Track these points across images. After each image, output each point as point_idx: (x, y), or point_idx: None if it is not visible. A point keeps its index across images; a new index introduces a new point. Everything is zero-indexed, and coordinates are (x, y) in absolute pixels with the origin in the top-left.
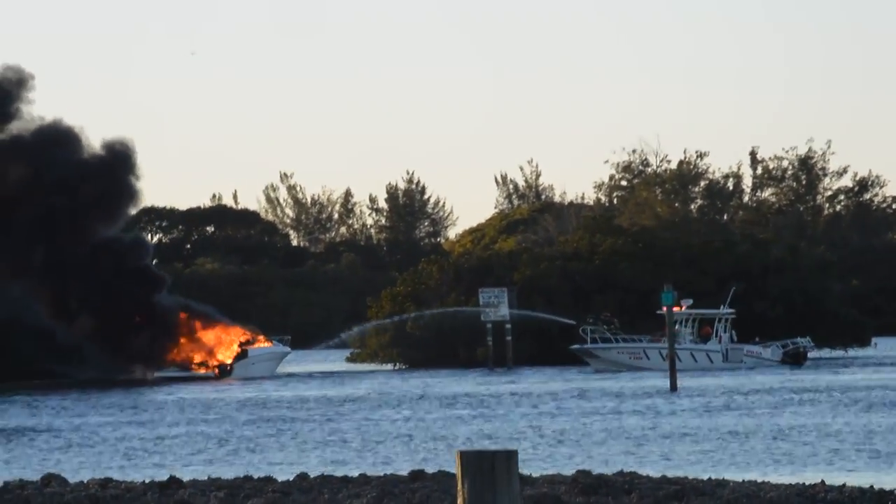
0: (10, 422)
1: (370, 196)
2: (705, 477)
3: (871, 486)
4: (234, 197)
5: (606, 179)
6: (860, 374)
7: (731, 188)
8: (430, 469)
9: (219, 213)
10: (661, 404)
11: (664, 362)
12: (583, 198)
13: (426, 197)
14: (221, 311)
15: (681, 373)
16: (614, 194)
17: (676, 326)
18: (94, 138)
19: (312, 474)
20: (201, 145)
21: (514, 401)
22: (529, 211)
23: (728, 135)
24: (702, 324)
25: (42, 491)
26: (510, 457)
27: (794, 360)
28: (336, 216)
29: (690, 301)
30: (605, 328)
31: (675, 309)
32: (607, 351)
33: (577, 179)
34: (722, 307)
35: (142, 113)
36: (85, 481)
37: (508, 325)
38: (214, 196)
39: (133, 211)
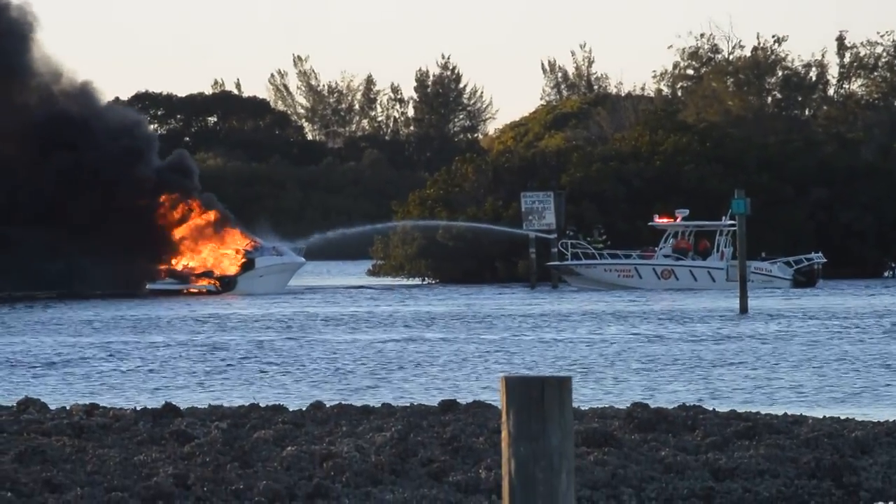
0: None
1: (392, 85)
2: (780, 412)
3: None
4: (238, 85)
5: (670, 68)
6: None
7: (813, 79)
8: (464, 399)
9: (223, 101)
10: (736, 328)
11: (659, 280)
12: (642, 89)
13: (462, 86)
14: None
15: (680, 293)
16: (678, 85)
17: (670, 240)
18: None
19: (329, 403)
20: (200, 26)
21: (560, 322)
22: (580, 103)
23: (811, 17)
24: (699, 237)
25: (18, 417)
26: (562, 384)
27: (808, 278)
28: (357, 107)
29: (686, 211)
30: (588, 240)
31: (666, 220)
32: (592, 268)
33: (635, 67)
34: (724, 218)
35: None
36: (68, 407)
37: (554, 236)
38: (216, 83)
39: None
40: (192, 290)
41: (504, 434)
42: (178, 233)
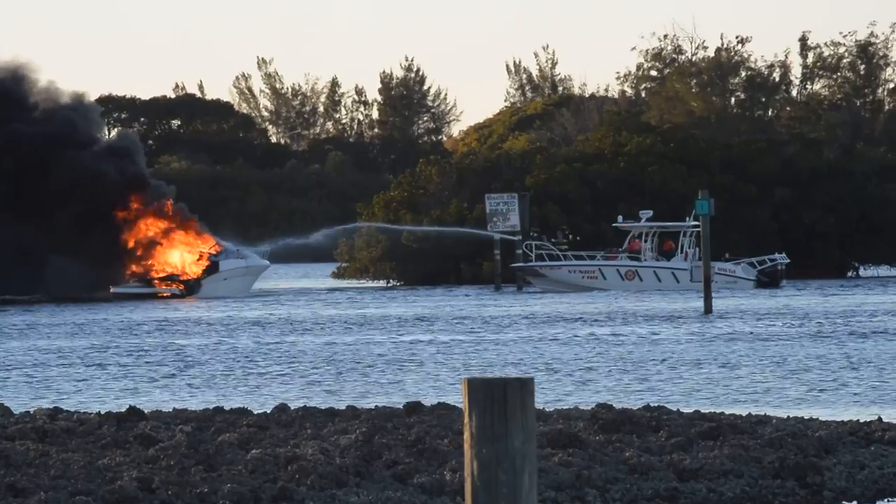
0: None
1: (356, 88)
2: (744, 412)
3: None
4: (200, 87)
5: (633, 69)
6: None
7: (777, 79)
8: (429, 401)
9: (186, 105)
10: (700, 329)
11: (623, 281)
12: (606, 90)
13: (426, 88)
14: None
15: (645, 294)
16: (642, 86)
17: (634, 241)
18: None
19: (293, 405)
20: (164, 29)
21: (524, 324)
22: (544, 105)
23: (775, 17)
24: (663, 238)
25: None
26: (525, 385)
27: (771, 279)
28: (321, 109)
29: (650, 213)
30: (552, 242)
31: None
32: (556, 270)
33: (599, 69)
34: (688, 219)
35: None
36: (31, 411)
37: (519, 238)
38: (177, 86)
39: None
40: (156, 293)
41: (466, 436)
42: (120, 216)
